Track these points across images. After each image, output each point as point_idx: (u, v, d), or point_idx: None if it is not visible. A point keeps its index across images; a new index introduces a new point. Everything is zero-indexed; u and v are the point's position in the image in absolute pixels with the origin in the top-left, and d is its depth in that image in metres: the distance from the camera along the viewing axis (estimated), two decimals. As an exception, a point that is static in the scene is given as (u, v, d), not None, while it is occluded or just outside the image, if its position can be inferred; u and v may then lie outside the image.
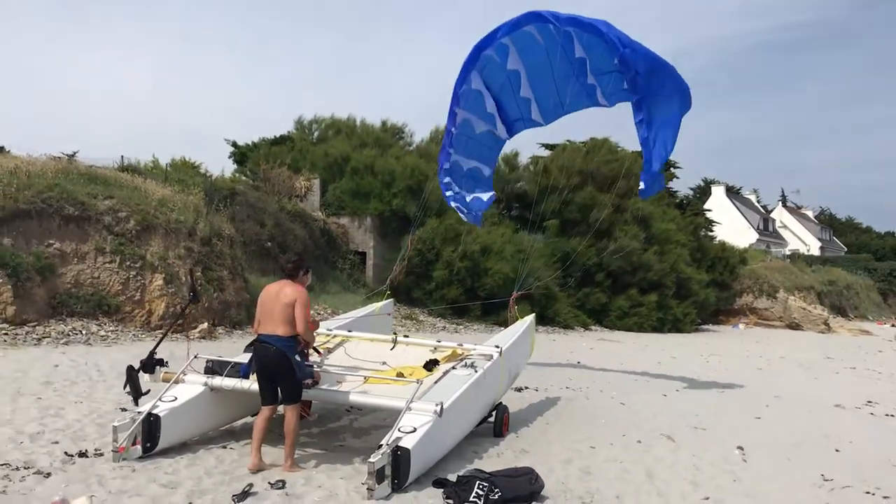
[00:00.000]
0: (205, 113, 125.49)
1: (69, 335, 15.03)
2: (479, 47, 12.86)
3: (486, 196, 14.54)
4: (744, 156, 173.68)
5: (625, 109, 12.20)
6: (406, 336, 10.05)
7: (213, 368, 7.75)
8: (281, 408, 7.27)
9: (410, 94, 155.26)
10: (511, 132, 14.18)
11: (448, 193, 14.27)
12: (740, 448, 9.40)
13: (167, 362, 7.92)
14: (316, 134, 36.80)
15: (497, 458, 7.97)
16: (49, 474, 6.40)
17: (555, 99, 13.22)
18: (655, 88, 11.71)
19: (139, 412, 7.11)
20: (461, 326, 25.58)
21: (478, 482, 6.35)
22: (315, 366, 7.62)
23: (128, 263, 17.00)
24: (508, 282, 26.79)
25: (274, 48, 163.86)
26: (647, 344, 25.81)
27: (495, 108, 13.64)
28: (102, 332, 15.69)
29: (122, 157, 22.51)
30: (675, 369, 18.16)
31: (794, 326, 41.30)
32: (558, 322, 28.55)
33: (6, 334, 14.17)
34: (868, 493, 7.83)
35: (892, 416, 13.20)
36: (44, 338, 14.61)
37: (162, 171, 23.02)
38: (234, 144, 36.37)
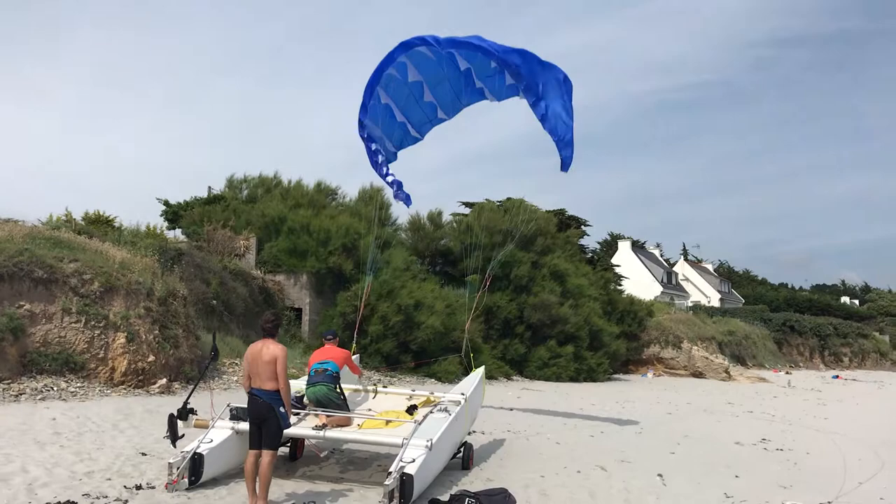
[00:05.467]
0: (119, 165, 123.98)
1: (43, 391, 16.05)
2: (380, 68, 15.12)
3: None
4: (647, 210, 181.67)
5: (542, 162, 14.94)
6: (385, 387, 11.80)
7: (238, 415, 9.29)
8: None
9: (329, 150, 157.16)
10: (422, 133, 16.62)
11: (389, 179, 16.23)
12: (660, 475, 11.45)
13: (196, 411, 9.42)
14: (245, 193, 38.13)
15: (470, 485, 9.73)
16: (126, 501, 7.87)
17: (453, 99, 15.86)
18: (537, 73, 14.23)
19: (185, 451, 8.62)
20: (395, 379, 27.13)
21: (467, 499, 8.13)
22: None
23: (92, 323, 18.05)
24: (439, 335, 28.71)
25: (187, 103, 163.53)
26: (568, 393, 27.95)
27: (404, 118, 16.04)
28: (72, 389, 16.72)
29: (74, 218, 23.45)
30: (597, 414, 20.29)
31: (698, 375, 44.32)
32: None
33: (-14, 391, 15.15)
34: (760, 505, 9.96)
35: (782, 450, 15.53)
36: (21, 394, 15.61)
37: (114, 232, 24.02)
38: (167, 203, 37.28)
